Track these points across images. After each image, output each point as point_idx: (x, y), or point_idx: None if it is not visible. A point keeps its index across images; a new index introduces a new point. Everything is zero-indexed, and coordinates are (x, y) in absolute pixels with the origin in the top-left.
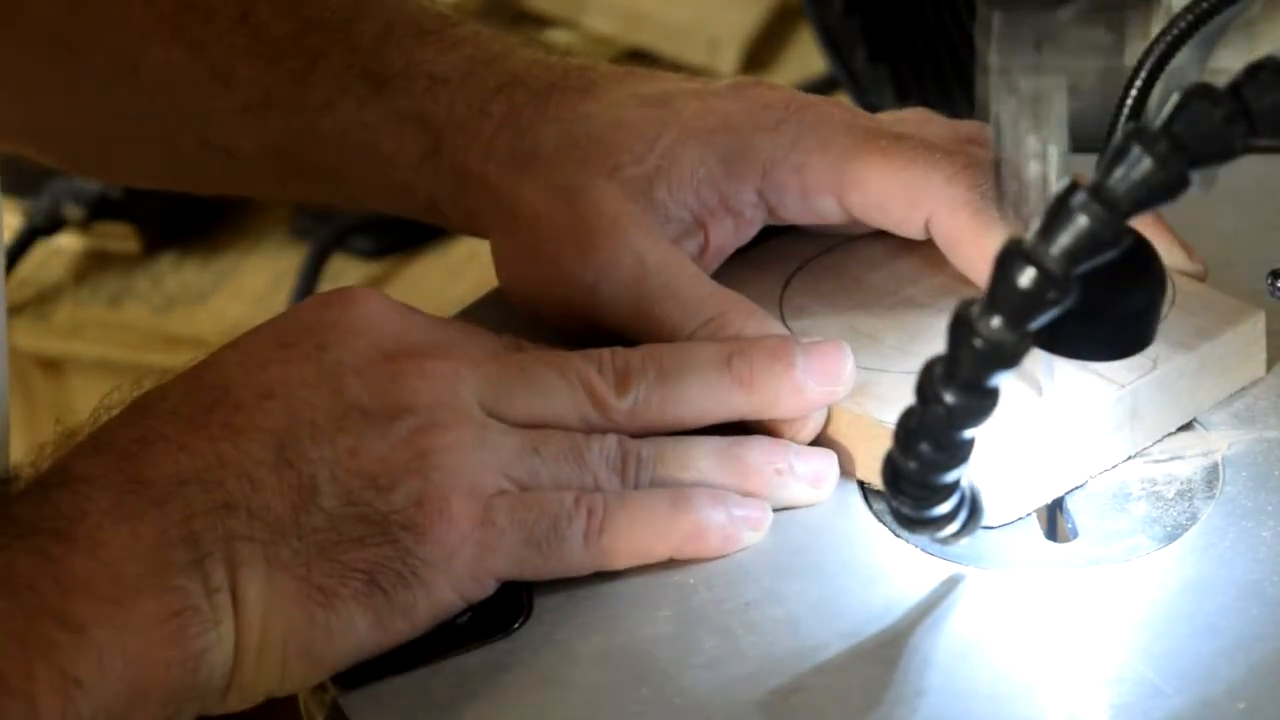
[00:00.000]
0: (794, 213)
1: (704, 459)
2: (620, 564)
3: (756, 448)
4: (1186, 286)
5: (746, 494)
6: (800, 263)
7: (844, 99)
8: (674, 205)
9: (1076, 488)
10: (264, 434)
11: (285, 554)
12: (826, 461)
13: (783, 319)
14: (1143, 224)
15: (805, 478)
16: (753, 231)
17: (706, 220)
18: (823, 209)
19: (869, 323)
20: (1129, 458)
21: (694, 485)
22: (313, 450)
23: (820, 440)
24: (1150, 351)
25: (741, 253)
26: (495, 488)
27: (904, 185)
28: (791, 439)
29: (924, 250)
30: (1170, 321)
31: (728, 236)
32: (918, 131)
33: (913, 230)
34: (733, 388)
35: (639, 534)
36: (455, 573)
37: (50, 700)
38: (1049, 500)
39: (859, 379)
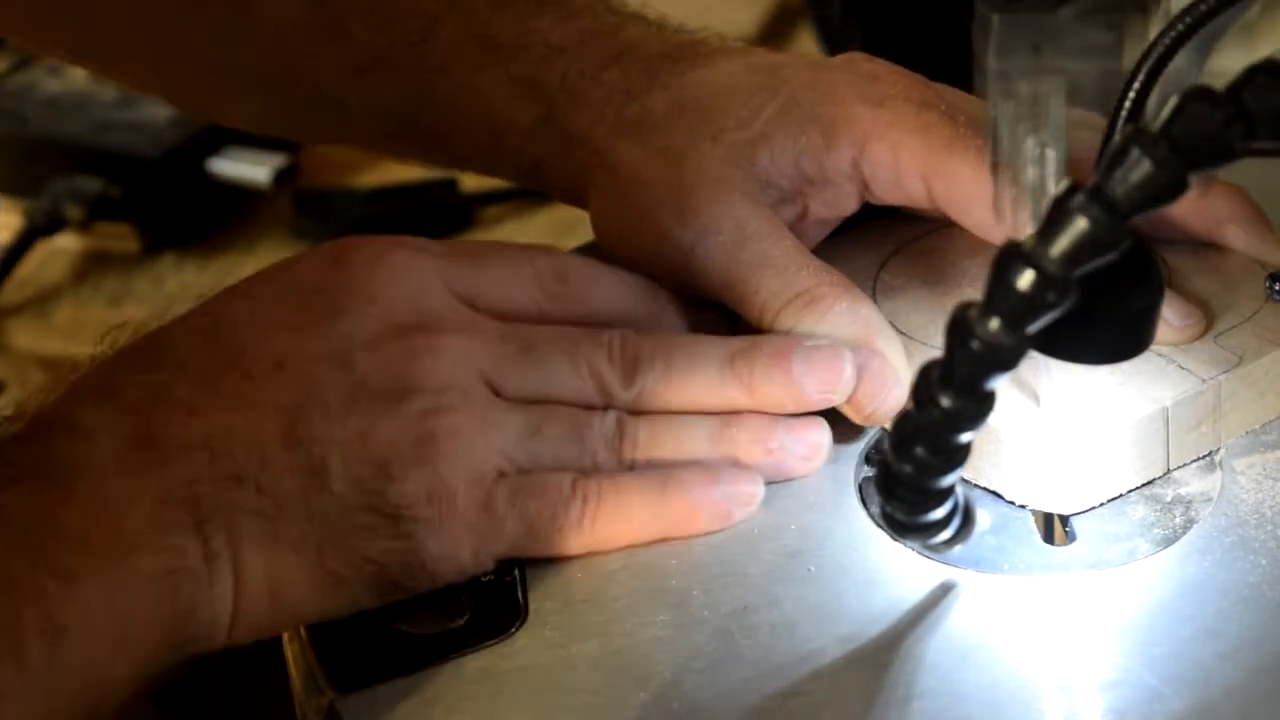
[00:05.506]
0: (885, 190)
1: (698, 441)
2: (613, 545)
3: (748, 428)
4: None
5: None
6: (901, 243)
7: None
8: (775, 172)
9: (1154, 480)
10: (276, 409)
11: (294, 532)
12: (819, 432)
13: (874, 297)
14: (1248, 223)
15: (798, 453)
16: (851, 205)
17: (806, 190)
18: (912, 192)
19: None
20: (1211, 453)
21: (688, 463)
22: (323, 429)
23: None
24: (1236, 347)
25: (845, 229)
26: (496, 471)
27: (989, 190)
28: (865, 421)
29: None
30: (1262, 316)
31: (826, 208)
32: None
33: (991, 235)
34: (735, 386)
35: (633, 517)
36: (460, 560)
37: (36, 643)
38: (1129, 490)
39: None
